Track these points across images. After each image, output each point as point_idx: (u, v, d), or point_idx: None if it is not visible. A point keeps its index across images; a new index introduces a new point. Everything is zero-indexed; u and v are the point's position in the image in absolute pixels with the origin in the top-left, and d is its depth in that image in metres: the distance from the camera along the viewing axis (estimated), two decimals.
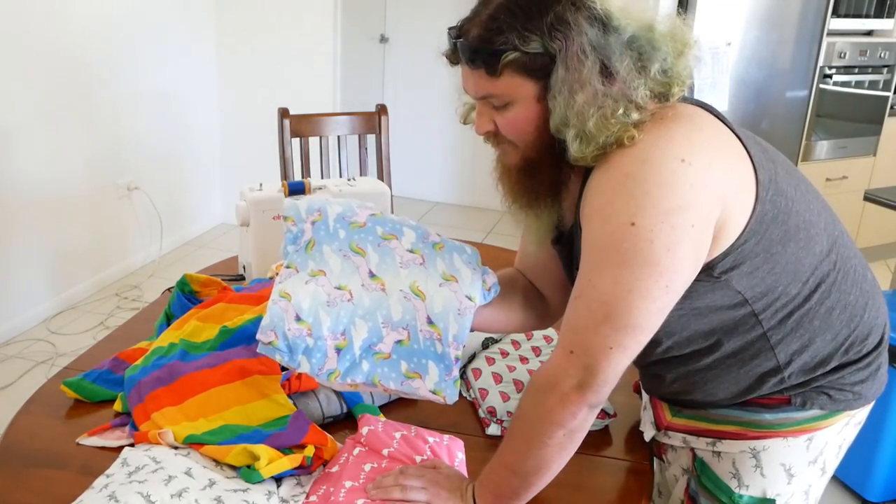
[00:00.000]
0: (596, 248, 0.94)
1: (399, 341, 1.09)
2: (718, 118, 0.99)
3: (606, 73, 0.94)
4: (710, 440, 1.11)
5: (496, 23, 0.94)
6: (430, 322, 1.10)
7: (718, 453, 1.11)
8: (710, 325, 1.03)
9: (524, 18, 0.93)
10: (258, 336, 1.06)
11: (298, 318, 1.06)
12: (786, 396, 1.06)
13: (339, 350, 1.07)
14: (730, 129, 0.98)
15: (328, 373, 1.06)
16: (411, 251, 1.08)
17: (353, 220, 1.14)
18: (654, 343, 1.00)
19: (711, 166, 0.92)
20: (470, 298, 1.11)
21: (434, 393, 1.09)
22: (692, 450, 1.14)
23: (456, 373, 1.10)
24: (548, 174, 1.03)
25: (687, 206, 0.90)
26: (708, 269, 0.97)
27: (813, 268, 1.02)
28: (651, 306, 0.93)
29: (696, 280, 0.97)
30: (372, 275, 1.10)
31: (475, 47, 0.96)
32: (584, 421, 0.97)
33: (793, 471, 1.09)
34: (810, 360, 1.04)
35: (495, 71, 0.95)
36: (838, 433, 1.10)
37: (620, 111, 0.93)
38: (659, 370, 1.13)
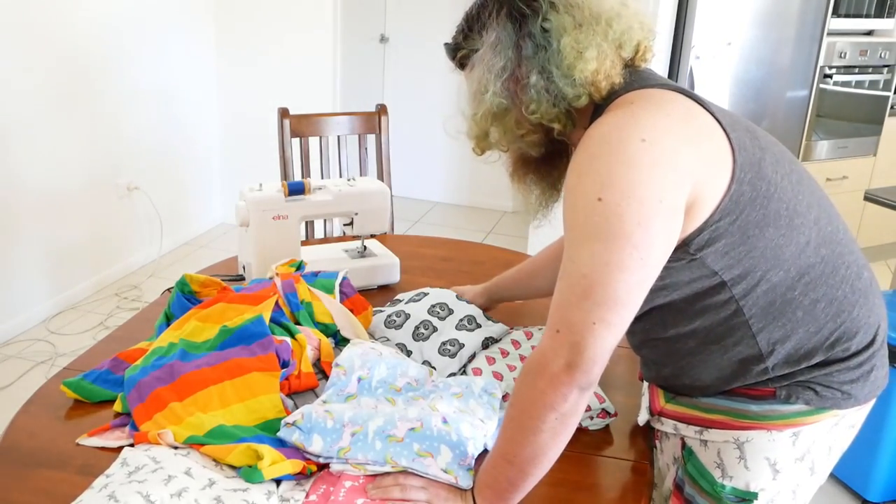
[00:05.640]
0: (571, 226, 0.98)
1: (412, 429, 1.12)
2: (698, 102, 1.01)
3: (508, 71, 1.06)
4: (698, 428, 1.13)
5: (459, 26, 1.14)
6: (444, 422, 1.13)
7: (705, 442, 1.12)
8: (691, 307, 1.06)
9: (470, 20, 1.12)
10: (284, 420, 1.14)
11: (325, 409, 1.15)
12: (771, 389, 1.07)
13: (353, 434, 1.12)
14: (711, 112, 1.01)
15: (338, 449, 1.10)
16: (445, 471, 1.09)
17: (393, 383, 1.26)
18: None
19: (676, 146, 0.95)
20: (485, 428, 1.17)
21: (445, 472, 1.09)
22: (682, 438, 1.16)
23: (471, 462, 1.10)
24: (536, 159, 1.17)
25: (652, 183, 0.93)
26: (684, 246, 1.00)
27: (795, 257, 1.03)
28: (629, 279, 0.94)
29: (674, 258, 1.00)
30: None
31: (447, 47, 1.16)
32: (575, 404, 0.98)
33: (778, 466, 1.09)
34: (794, 351, 1.05)
35: (459, 65, 1.15)
36: (827, 433, 1.09)
37: (480, 113, 1.09)
38: (648, 353, 1.17)
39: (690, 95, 1.02)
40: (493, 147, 1.14)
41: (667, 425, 1.18)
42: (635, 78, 1.07)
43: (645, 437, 1.26)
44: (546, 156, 1.17)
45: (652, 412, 1.21)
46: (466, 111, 1.12)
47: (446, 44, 1.16)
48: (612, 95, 1.05)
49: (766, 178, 1.01)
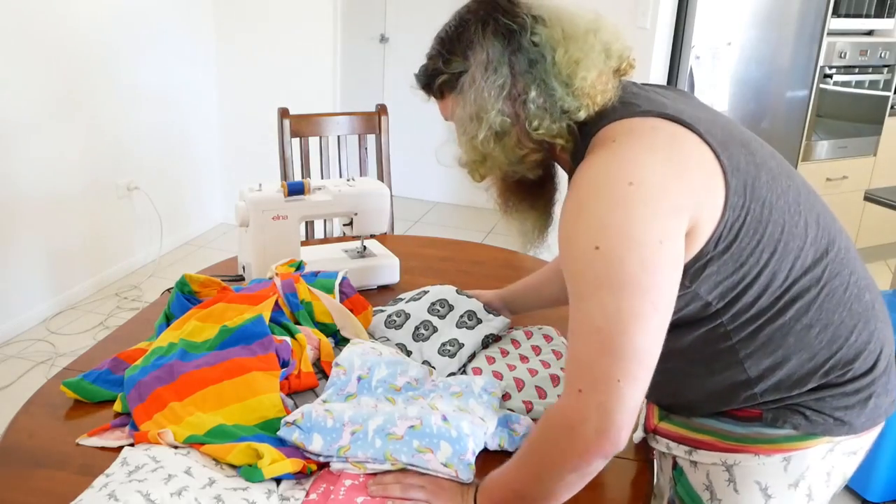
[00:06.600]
0: (573, 277, 0.94)
1: (412, 426, 1.12)
2: (685, 124, 0.96)
3: (507, 88, 1.01)
4: (687, 449, 1.10)
5: (431, 52, 1.09)
6: (444, 419, 1.13)
7: (695, 463, 1.10)
8: (679, 328, 1.02)
9: (449, 43, 1.06)
10: (285, 419, 1.14)
11: (325, 408, 1.16)
12: (758, 411, 1.03)
13: (353, 433, 1.12)
14: (699, 134, 0.96)
15: (338, 448, 1.10)
16: (445, 465, 1.10)
17: (393, 383, 1.25)
18: None
19: (664, 183, 0.91)
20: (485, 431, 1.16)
21: (445, 466, 1.09)
22: (673, 457, 1.14)
23: (470, 458, 1.10)
24: (524, 185, 1.13)
25: (647, 224, 0.89)
26: (681, 277, 0.96)
27: (790, 282, 0.98)
28: (645, 326, 0.90)
29: None
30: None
31: (418, 76, 1.11)
32: (597, 468, 0.95)
33: (770, 491, 1.05)
34: (785, 378, 1.01)
35: (435, 93, 1.10)
36: (822, 459, 1.04)
37: (482, 136, 1.02)
38: None
39: (675, 118, 0.97)
40: (491, 172, 1.09)
41: (661, 444, 1.16)
42: (620, 101, 1.02)
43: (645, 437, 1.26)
44: (535, 182, 1.13)
45: (647, 429, 1.19)
46: (463, 136, 1.06)
47: (418, 74, 1.11)
48: (601, 119, 1.01)
49: (760, 199, 0.97)
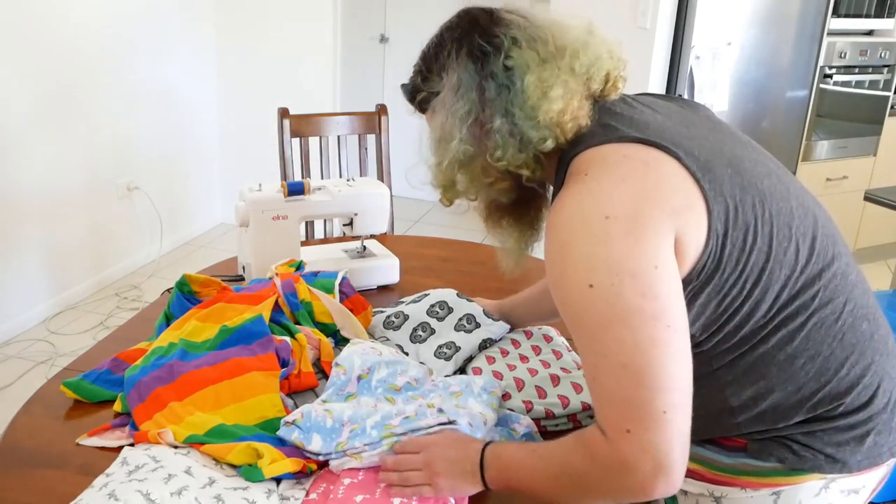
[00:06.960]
0: (575, 321, 0.91)
1: (406, 417, 1.13)
2: (662, 148, 0.92)
3: (473, 116, 0.99)
4: None
5: (415, 67, 1.08)
6: (439, 411, 1.14)
7: (685, 492, 1.07)
8: None
9: (427, 60, 1.05)
10: (284, 419, 1.14)
11: (325, 408, 1.17)
12: (743, 441, 1.00)
13: (352, 432, 1.13)
14: (677, 158, 0.92)
15: (336, 443, 1.11)
16: (439, 413, 1.12)
17: (392, 383, 1.25)
18: None
19: (640, 211, 0.88)
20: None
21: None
22: None
23: (465, 419, 1.10)
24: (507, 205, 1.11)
25: (635, 253, 0.87)
26: None
27: (774, 311, 0.94)
28: (669, 350, 0.86)
29: None
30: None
31: (403, 90, 1.10)
32: None
33: None
34: (770, 409, 0.97)
35: (417, 107, 1.09)
36: (815, 496, 0.99)
37: (446, 162, 1.02)
38: None
39: (652, 143, 0.93)
40: (461, 196, 1.07)
41: None
42: (600, 123, 0.99)
43: None
44: (519, 197, 1.10)
45: None
46: (430, 160, 1.05)
47: (403, 85, 1.09)
48: (577, 144, 0.98)
49: (744, 225, 0.93)
